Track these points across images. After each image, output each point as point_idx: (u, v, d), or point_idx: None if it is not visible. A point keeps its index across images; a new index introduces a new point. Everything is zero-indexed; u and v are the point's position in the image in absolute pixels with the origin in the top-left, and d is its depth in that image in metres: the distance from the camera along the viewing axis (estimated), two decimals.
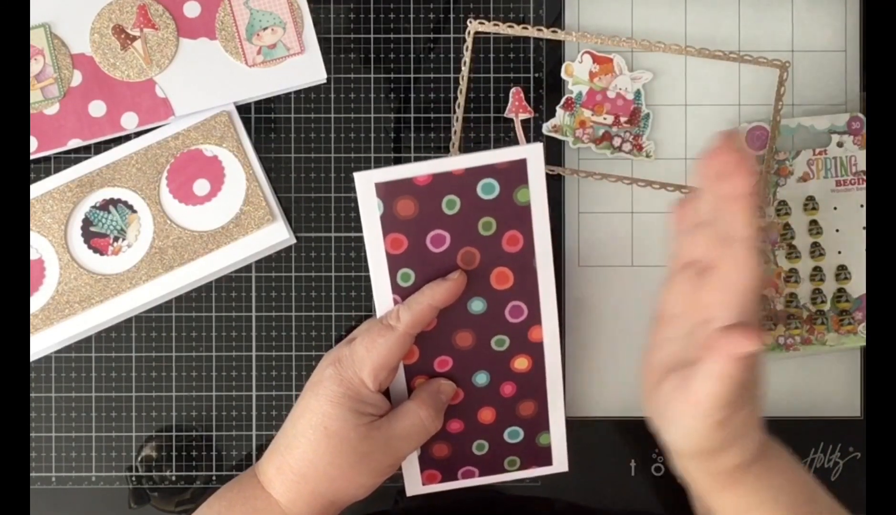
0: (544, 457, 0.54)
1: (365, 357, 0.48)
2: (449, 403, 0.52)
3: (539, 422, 0.53)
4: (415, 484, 0.54)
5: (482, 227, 0.49)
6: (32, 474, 0.57)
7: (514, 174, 0.48)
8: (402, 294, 0.50)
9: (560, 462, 0.55)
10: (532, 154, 0.48)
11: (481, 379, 0.52)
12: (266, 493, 0.49)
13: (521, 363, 0.52)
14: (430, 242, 0.49)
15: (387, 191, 0.48)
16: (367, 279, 0.57)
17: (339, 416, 0.48)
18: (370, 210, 0.48)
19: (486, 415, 0.53)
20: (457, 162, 0.48)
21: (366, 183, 0.48)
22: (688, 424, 0.45)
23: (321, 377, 0.49)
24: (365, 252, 0.58)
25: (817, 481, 0.50)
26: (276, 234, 0.57)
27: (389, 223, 0.48)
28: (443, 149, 0.58)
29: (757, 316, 0.44)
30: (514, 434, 0.53)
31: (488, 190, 0.48)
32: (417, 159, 0.58)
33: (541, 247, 0.50)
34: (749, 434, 0.47)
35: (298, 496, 0.49)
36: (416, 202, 0.48)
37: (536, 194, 0.49)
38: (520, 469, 0.54)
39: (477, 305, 0.50)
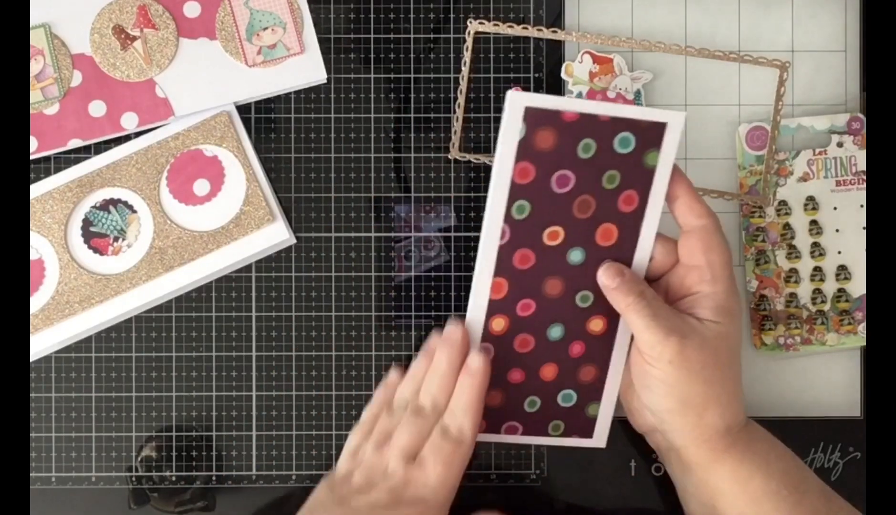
0: (587, 429, 0.54)
1: (441, 485, 0.49)
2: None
3: (594, 391, 0.53)
4: None
5: (607, 180, 0.49)
6: (32, 474, 0.57)
7: (651, 135, 0.48)
8: (511, 224, 0.49)
9: (600, 437, 0.54)
10: (674, 121, 0.48)
11: (556, 332, 0.52)
12: None
13: (596, 324, 0.52)
14: (555, 180, 0.48)
15: (533, 118, 0.47)
16: (367, 279, 0.58)
17: None
18: (511, 132, 0.47)
19: (549, 372, 0.52)
20: (606, 108, 0.48)
21: (517, 104, 0.47)
22: (653, 373, 0.49)
23: None
24: (364, 252, 0.58)
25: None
26: (276, 234, 0.57)
27: (525, 150, 0.48)
28: (443, 149, 0.58)
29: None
30: (567, 398, 0.53)
31: (625, 143, 0.48)
32: (417, 160, 0.58)
33: (651, 213, 0.50)
34: (731, 397, 0.49)
35: None
36: (557, 136, 0.47)
37: (664, 161, 0.49)
38: (562, 435, 0.54)
39: (576, 256, 0.50)
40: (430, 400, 0.51)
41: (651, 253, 0.51)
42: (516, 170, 0.48)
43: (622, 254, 0.50)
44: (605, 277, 0.50)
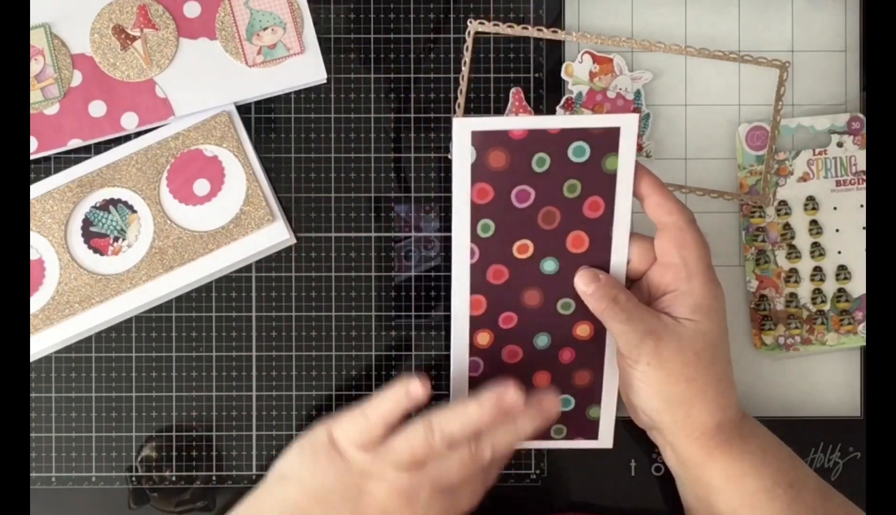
0: (591, 431, 0.55)
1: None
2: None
3: (592, 394, 0.54)
4: None
5: (567, 189, 0.49)
6: (32, 474, 0.57)
7: (607, 141, 0.49)
8: (479, 244, 0.50)
9: (605, 438, 0.55)
10: (627, 124, 0.48)
11: (542, 341, 0.52)
12: None
13: (583, 329, 0.52)
14: (515, 197, 0.49)
15: (482, 141, 0.48)
16: (367, 279, 0.58)
17: None
18: (463, 157, 0.48)
19: (542, 379, 0.53)
20: (554, 121, 0.48)
21: (463, 129, 0.48)
22: (634, 375, 0.49)
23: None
24: (364, 252, 0.58)
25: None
26: (276, 234, 0.57)
27: (479, 172, 0.49)
28: (443, 149, 0.58)
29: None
30: (565, 403, 0.54)
31: (579, 153, 0.49)
32: (417, 160, 0.58)
33: (620, 216, 0.50)
34: (718, 394, 0.49)
35: None
36: (508, 155, 0.48)
37: (624, 163, 0.49)
38: (565, 438, 0.55)
39: (549, 265, 0.51)
40: (489, 452, 0.49)
41: (628, 254, 0.51)
42: (474, 191, 0.49)
43: (597, 258, 0.51)
44: (581, 284, 0.51)
